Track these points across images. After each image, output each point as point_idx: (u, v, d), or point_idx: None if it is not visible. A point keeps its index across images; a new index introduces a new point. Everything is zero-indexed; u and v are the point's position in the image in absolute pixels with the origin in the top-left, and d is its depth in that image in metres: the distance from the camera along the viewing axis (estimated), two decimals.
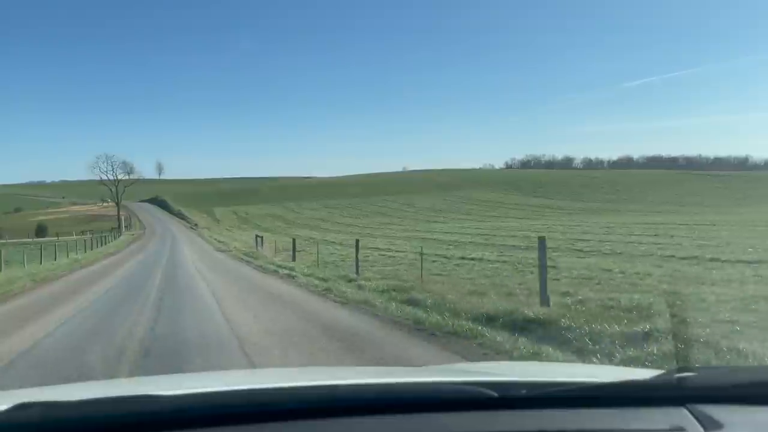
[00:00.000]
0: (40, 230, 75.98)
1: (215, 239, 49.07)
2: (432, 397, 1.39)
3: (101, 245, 46.38)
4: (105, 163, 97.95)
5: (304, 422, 1.27)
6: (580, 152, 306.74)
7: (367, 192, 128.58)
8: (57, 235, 65.05)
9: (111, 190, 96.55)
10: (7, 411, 1.20)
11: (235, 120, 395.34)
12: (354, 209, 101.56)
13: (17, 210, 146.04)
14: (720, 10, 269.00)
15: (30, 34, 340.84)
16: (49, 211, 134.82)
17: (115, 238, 57.32)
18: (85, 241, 44.44)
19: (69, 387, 2.52)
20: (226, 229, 70.74)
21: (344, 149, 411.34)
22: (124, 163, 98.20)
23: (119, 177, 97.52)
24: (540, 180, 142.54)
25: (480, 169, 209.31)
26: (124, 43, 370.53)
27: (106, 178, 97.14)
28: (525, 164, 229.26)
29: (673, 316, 6.52)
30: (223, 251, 32.99)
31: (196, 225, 77.28)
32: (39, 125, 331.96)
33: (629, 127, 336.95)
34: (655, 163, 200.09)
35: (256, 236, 32.05)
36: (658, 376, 1.47)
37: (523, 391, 1.36)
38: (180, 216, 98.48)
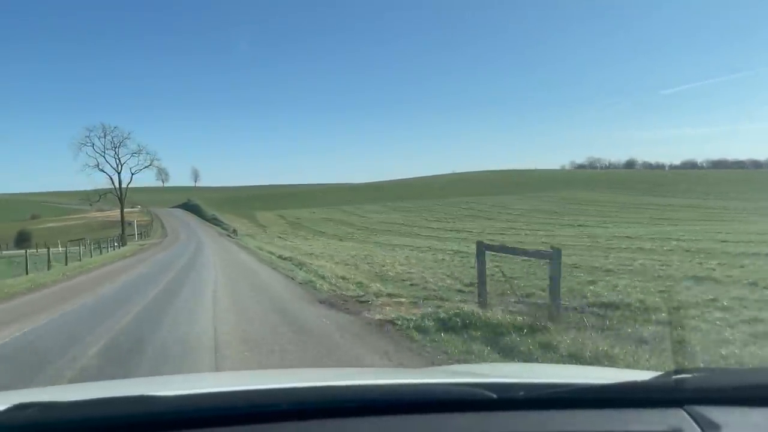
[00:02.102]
0: (22, 239, 55.82)
1: (273, 253, 26.96)
2: (431, 399, 1.36)
3: (73, 261, 26.49)
4: (101, 139, 61.64)
5: (303, 423, 1.25)
6: (616, 156, 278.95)
7: (427, 194, 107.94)
8: (37, 246, 44.66)
9: (111, 178, 62.34)
10: (6, 411, 1.18)
11: (268, 127, 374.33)
12: (432, 211, 79.74)
13: (33, 217, 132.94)
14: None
15: (71, 39, 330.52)
16: (67, 217, 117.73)
17: (106, 250, 35.92)
18: (47, 253, 24.04)
19: (67, 388, 2.41)
20: (279, 237, 48.95)
21: (378, 153, 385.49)
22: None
23: (122, 158, 62.37)
24: (639, 179, 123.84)
25: (546, 169, 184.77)
26: (157, 42, 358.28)
27: (103, 159, 61.98)
28: (581, 167, 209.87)
29: None
30: (350, 305, 10.08)
31: (234, 231, 55.79)
32: (69, 131, 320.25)
33: (667, 133, 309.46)
34: (722, 166, 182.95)
35: (480, 247, 8.60)
36: (656, 377, 1.43)
37: (522, 393, 1.34)
38: (214, 221, 77.51)
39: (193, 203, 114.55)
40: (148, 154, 64.68)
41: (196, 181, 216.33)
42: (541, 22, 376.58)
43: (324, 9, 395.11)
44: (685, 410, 1.31)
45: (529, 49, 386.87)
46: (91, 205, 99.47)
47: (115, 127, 63.33)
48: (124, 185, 63.81)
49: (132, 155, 63.83)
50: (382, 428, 1.27)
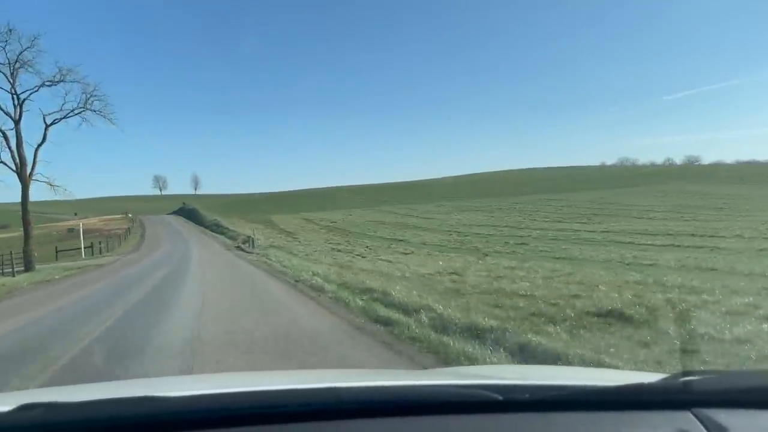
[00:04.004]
0: None
1: None
2: (435, 400, 1.35)
3: None
4: None
5: (308, 425, 1.25)
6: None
7: (469, 194, 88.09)
8: None
9: (3, 134, 26.36)
10: (11, 412, 1.18)
11: (270, 134, 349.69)
12: (514, 210, 58.32)
13: (3, 227, 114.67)
14: None
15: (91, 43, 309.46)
16: (38, 227, 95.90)
17: None
18: None
19: (72, 388, 2.46)
20: (337, 250, 27.10)
21: (383, 156, 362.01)
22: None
23: (21, 94, 26.88)
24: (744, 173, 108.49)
25: (585, 166, 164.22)
26: (159, 46, 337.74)
27: None
28: (614, 166, 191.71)
29: None
30: None
31: (249, 242, 34.04)
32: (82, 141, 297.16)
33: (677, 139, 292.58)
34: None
35: None
36: (664, 379, 1.41)
37: (527, 395, 1.33)
38: (216, 227, 55.74)
39: (190, 207, 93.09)
40: (79, 83, 28.36)
41: (196, 189, 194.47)
42: (544, 29, 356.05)
43: (333, 12, 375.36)
44: (692, 413, 1.28)
45: (534, 55, 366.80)
46: (75, 214, 77.74)
47: (9, 29, 26.06)
48: (32, 145, 27.95)
49: (45, 85, 27.39)
50: (387, 430, 1.26)
